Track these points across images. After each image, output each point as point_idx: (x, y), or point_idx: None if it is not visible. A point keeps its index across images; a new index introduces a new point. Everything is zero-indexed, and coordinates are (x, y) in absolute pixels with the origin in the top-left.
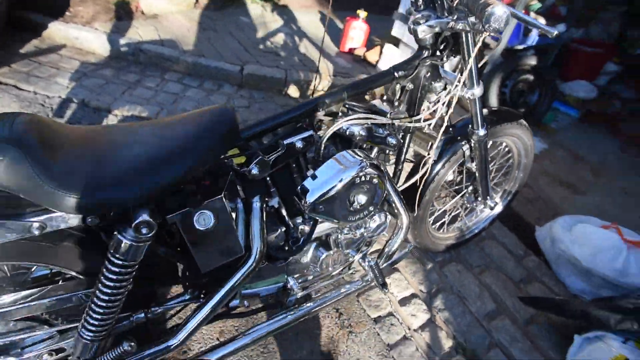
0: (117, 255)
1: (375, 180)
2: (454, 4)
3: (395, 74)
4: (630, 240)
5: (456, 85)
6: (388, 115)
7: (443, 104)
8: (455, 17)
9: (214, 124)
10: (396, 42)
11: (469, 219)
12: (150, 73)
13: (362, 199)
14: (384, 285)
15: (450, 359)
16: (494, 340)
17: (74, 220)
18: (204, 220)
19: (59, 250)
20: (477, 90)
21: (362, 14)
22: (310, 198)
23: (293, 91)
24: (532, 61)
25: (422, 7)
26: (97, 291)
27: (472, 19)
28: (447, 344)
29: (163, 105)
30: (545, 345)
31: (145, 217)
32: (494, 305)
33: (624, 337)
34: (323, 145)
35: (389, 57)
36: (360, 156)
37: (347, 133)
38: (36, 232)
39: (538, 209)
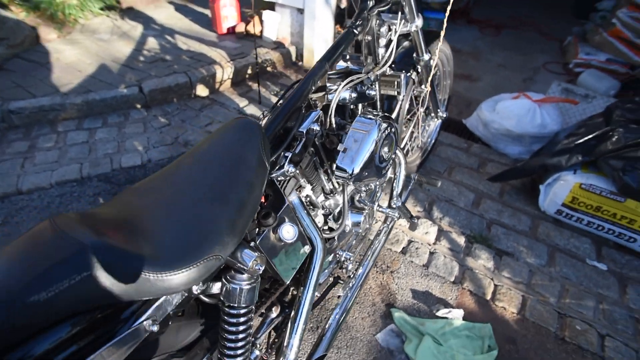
0: (235, 305)
1: (392, 129)
2: None
3: (355, 31)
4: (537, 100)
5: (400, 22)
6: (363, 71)
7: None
8: None
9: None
10: (271, 6)
11: (423, 136)
12: (39, 132)
13: (386, 150)
14: (413, 218)
15: (471, 250)
16: (487, 219)
17: (177, 297)
18: (287, 232)
19: (174, 332)
20: (419, 22)
21: None
22: (356, 169)
23: (201, 90)
24: None
25: None
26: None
27: None
28: (461, 240)
29: (81, 160)
30: (521, 204)
31: (251, 254)
32: (473, 195)
33: (573, 169)
34: (332, 120)
35: (270, 23)
36: (373, 116)
37: (340, 101)
38: (154, 329)
39: (454, 106)
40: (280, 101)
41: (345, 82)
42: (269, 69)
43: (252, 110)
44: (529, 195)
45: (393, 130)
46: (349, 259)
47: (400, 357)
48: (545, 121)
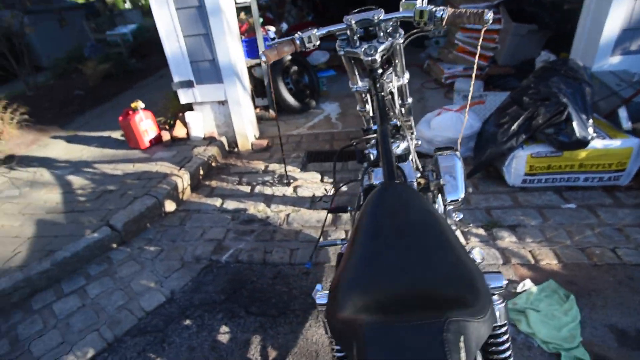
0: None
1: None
2: (388, 30)
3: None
4: (456, 110)
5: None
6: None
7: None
8: (391, 36)
9: None
10: (187, 106)
11: None
12: (13, 322)
13: None
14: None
15: (493, 235)
16: (483, 208)
17: None
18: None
19: None
20: (407, 75)
21: (140, 104)
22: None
23: (169, 206)
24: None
25: (358, 42)
26: None
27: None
28: (481, 232)
29: (94, 326)
30: (495, 188)
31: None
32: None
33: (520, 147)
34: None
35: (195, 123)
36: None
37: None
38: None
39: None
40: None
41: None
42: (213, 164)
43: (234, 204)
44: (496, 179)
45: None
46: None
47: (520, 337)
48: (470, 123)
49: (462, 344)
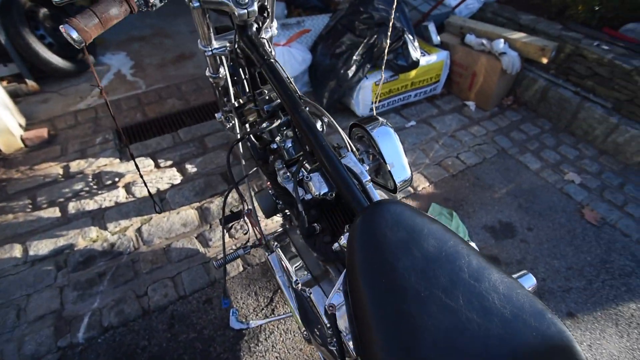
0: None
1: None
2: None
3: None
4: (284, 44)
5: None
6: None
7: None
8: None
9: None
10: None
11: None
12: None
13: None
14: None
15: None
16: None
17: None
18: None
19: None
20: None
21: None
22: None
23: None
24: None
25: None
26: None
27: None
28: None
29: None
30: (344, 123)
31: None
32: None
33: (365, 77)
34: None
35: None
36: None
37: None
38: None
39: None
40: None
41: None
42: None
43: (46, 245)
44: (343, 111)
45: None
46: None
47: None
48: (302, 57)
49: None
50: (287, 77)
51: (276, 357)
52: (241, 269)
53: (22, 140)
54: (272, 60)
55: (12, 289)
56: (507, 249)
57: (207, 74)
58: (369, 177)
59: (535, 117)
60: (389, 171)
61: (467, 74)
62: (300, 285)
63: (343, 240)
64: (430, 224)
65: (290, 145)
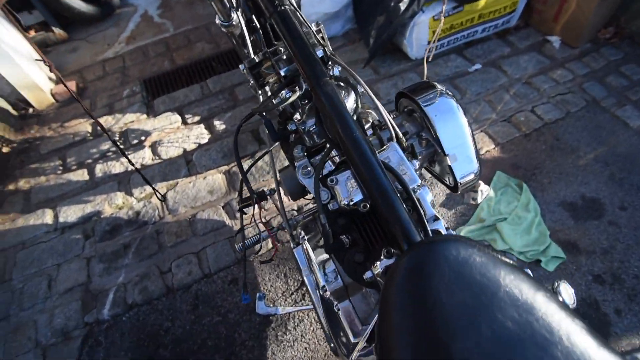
0: None
1: None
2: None
3: None
4: None
5: None
6: None
7: None
8: None
9: None
10: None
11: None
12: None
13: None
14: None
15: None
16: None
17: None
18: None
19: None
20: None
21: None
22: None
23: None
24: None
25: None
26: None
27: None
28: None
29: None
30: (394, 68)
31: None
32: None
33: (421, 11)
34: None
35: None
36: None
37: None
38: None
39: None
40: None
41: None
42: (4, 149)
43: (75, 211)
44: (395, 53)
45: None
46: None
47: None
48: None
49: None
50: (310, 29)
51: (305, 348)
52: (270, 245)
53: (52, 95)
54: (285, 6)
55: (45, 258)
56: (590, 233)
57: (217, 21)
58: (420, 182)
59: None
60: (449, 166)
61: None
62: (329, 293)
63: (379, 268)
64: (509, 277)
65: (313, 126)
